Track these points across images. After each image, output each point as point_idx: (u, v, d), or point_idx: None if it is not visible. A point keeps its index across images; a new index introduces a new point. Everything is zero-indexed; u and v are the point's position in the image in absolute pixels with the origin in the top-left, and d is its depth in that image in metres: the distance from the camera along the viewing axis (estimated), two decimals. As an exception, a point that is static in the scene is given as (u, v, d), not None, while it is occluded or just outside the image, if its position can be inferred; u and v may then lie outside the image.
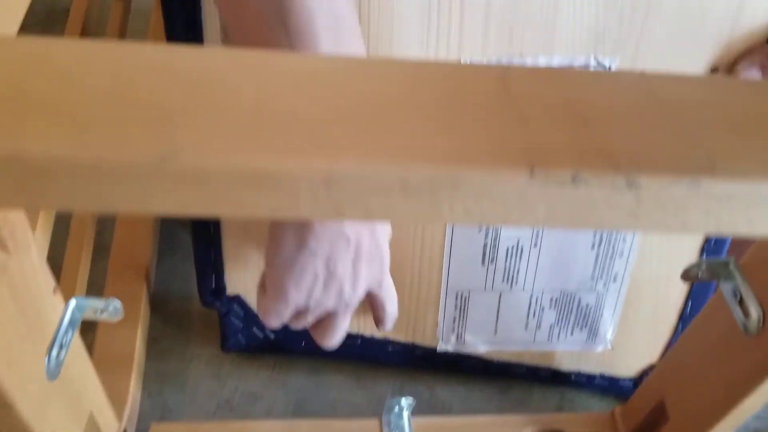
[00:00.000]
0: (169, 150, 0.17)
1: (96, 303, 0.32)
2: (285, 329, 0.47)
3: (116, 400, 0.43)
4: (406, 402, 0.44)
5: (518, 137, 0.19)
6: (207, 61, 0.19)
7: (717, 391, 0.36)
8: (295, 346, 0.49)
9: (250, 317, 0.46)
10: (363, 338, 0.47)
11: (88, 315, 0.33)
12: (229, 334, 0.47)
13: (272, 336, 0.48)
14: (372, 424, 0.45)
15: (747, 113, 0.21)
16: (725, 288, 0.34)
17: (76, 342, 0.33)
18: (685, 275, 0.35)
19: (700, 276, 0.35)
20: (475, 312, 0.46)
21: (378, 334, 0.47)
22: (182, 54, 0.19)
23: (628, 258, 0.43)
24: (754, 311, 0.32)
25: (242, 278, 0.44)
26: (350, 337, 0.47)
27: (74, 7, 0.42)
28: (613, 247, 0.43)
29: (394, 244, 0.42)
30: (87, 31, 0.42)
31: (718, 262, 0.34)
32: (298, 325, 0.37)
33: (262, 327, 0.47)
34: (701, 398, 0.37)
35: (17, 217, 0.26)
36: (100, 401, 0.38)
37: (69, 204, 0.18)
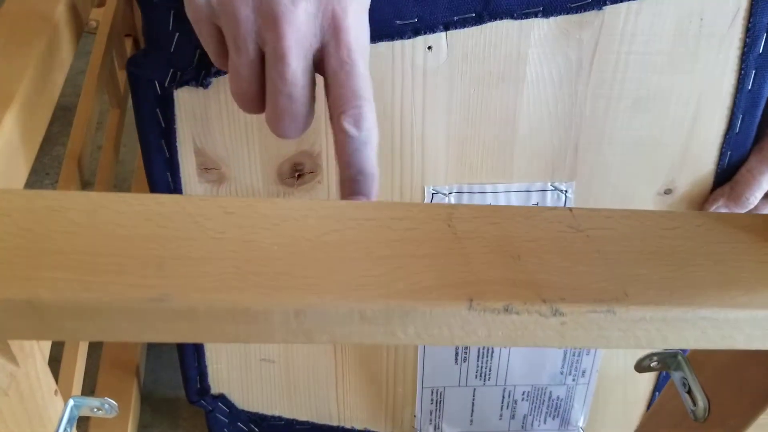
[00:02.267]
0: (162, 293, 0.20)
1: (92, 402, 0.35)
2: (269, 422, 0.49)
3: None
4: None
5: (460, 273, 0.22)
6: (192, 208, 0.23)
7: (674, 475, 0.38)
8: None
9: (236, 413, 0.48)
10: (344, 430, 0.49)
11: (85, 412, 0.35)
12: (215, 428, 0.49)
13: (256, 430, 0.50)
14: None
15: (661, 245, 0.24)
16: (676, 378, 0.37)
17: (73, 437, 0.35)
18: (638, 366, 0.38)
19: (651, 367, 0.37)
20: (451, 405, 0.48)
21: (358, 425, 0.49)
22: (170, 203, 0.23)
23: (595, 355, 0.46)
24: (701, 400, 0.35)
25: (226, 378, 0.47)
26: (331, 429, 0.49)
27: (77, 118, 0.47)
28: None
29: (370, 347, 0.44)
30: (87, 136, 0.47)
31: (667, 354, 0.37)
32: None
33: (247, 421, 0.49)
34: (661, 483, 0.39)
35: (26, 330, 0.29)
36: (92, 492, 0.40)
37: (77, 336, 0.21)
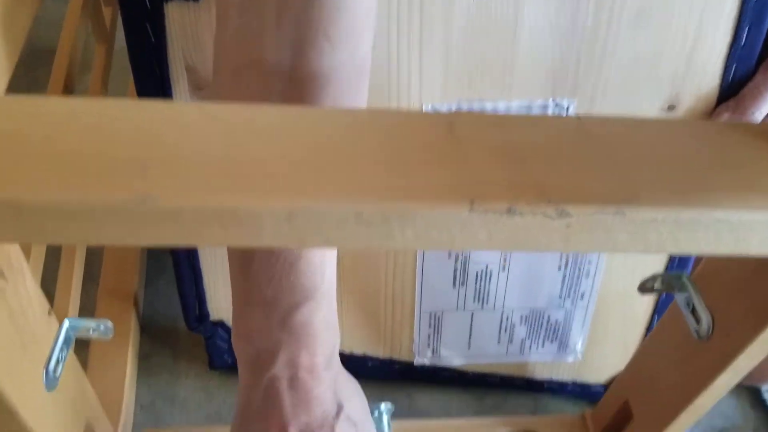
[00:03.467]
0: (147, 194, 0.19)
1: (88, 323, 0.34)
2: None
3: (111, 411, 0.45)
4: (385, 407, 0.46)
5: (461, 175, 0.21)
6: (179, 114, 0.21)
7: (674, 391, 0.38)
8: None
9: None
10: (342, 355, 0.49)
11: (82, 334, 0.35)
12: (215, 355, 0.49)
13: None
14: (354, 430, 0.47)
15: (674, 151, 0.23)
16: (679, 299, 0.36)
17: (72, 358, 0.35)
18: (642, 288, 0.37)
19: (655, 288, 0.37)
20: (449, 329, 0.48)
21: (357, 350, 0.49)
22: (157, 109, 0.21)
23: (594, 277, 0.45)
24: (705, 319, 0.35)
25: (225, 305, 0.46)
26: None
27: (59, 52, 0.45)
28: (579, 268, 0.44)
29: (368, 270, 0.43)
30: (71, 74, 0.45)
31: (671, 275, 0.36)
32: None
33: None
34: (661, 398, 0.39)
35: (12, 248, 0.28)
36: (95, 411, 0.40)
37: (61, 240, 0.20)
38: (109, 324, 0.35)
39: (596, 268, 0.44)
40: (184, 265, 0.43)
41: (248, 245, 0.21)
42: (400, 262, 0.44)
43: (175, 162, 0.20)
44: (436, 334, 0.48)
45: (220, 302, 0.46)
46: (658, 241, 0.22)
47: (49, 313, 0.32)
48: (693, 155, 0.23)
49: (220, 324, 0.46)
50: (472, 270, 0.44)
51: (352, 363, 0.49)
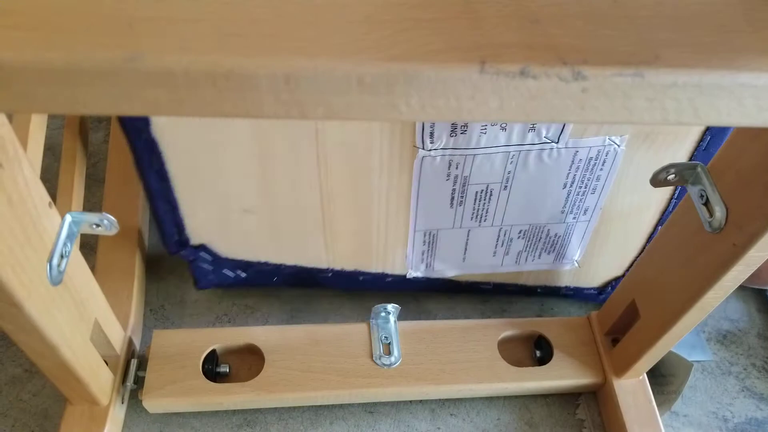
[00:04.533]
0: (135, 52, 0.18)
1: (91, 217, 0.34)
2: (256, 268, 0.47)
3: (120, 312, 0.45)
4: (392, 308, 0.47)
5: (471, 36, 0.20)
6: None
7: (682, 287, 0.38)
8: (268, 283, 0.49)
9: (219, 261, 0.47)
10: (333, 271, 0.48)
11: (85, 229, 0.35)
12: (200, 276, 0.48)
13: (243, 275, 0.49)
14: (361, 328, 0.48)
15: (697, 11, 0.21)
16: (692, 191, 0.36)
17: (76, 254, 0.35)
18: (654, 180, 0.36)
19: (668, 179, 0.36)
20: (444, 245, 0.46)
21: (348, 266, 0.48)
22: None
23: (600, 194, 0.44)
24: (718, 210, 0.34)
25: (205, 230, 0.44)
26: (321, 271, 0.48)
27: None
28: (586, 186, 0.43)
29: (359, 194, 0.41)
30: None
31: (686, 165, 0.35)
32: None
33: (233, 268, 0.48)
34: (669, 295, 0.39)
35: (6, 132, 0.27)
36: (104, 310, 0.40)
37: (48, 107, 0.19)
38: (112, 218, 0.34)
39: (604, 184, 0.43)
40: (157, 194, 0.41)
41: (247, 115, 0.20)
42: (394, 184, 0.42)
43: (163, 20, 0.19)
44: (430, 251, 0.47)
45: (200, 228, 0.44)
46: (677, 108, 0.21)
47: (50, 205, 0.31)
48: (718, 14, 0.21)
49: (202, 247, 0.45)
50: (471, 190, 0.42)
51: (343, 278, 0.49)
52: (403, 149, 0.39)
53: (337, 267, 0.47)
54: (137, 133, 0.35)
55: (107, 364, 0.43)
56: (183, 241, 0.44)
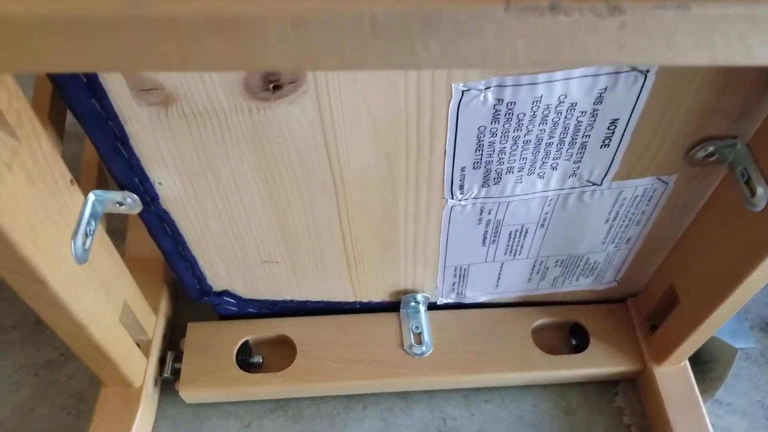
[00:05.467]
0: (135, -3, 0.17)
1: (114, 196, 0.34)
2: (281, 306, 0.46)
3: (151, 296, 0.45)
4: (422, 297, 0.45)
5: (493, -32, 0.18)
6: None
7: (724, 269, 0.35)
8: (294, 315, 0.47)
9: (244, 302, 0.46)
10: (361, 303, 0.46)
11: (109, 208, 0.34)
12: (224, 313, 0.47)
13: (268, 311, 0.47)
14: (391, 317, 0.46)
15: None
16: (732, 170, 0.33)
17: (101, 233, 0.35)
18: (691, 160, 0.34)
19: (705, 158, 0.33)
20: (475, 276, 0.44)
21: (376, 298, 0.46)
22: None
23: (645, 225, 0.40)
24: (761, 188, 0.31)
25: (226, 279, 0.43)
26: (348, 304, 0.46)
27: None
28: (630, 219, 0.39)
29: (386, 242, 0.39)
30: None
31: (725, 143, 0.33)
32: None
33: (258, 307, 0.47)
34: (710, 278, 0.37)
35: (22, 106, 0.27)
36: (133, 292, 0.40)
37: (53, 65, 0.19)
38: (136, 197, 0.34)
39: (649, 217, 0.39)
40: (173, 255, 0.39)
41: (253, 66, 0.19)
42: (421, 230, 0.39)
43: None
44: (461, 282, 0.44)
45: (221, 277, 0.43)
46: (726, 47, 0.19)
47: (72, 183, 0.31)
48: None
49: (225, 293, 0.44)
50: (505, 231, 0.40)
51: (371, 307, 0.46)
52: (431, 201, 0.37)
53: (365, 300, 0.46)
54: (146, 206, 0.35)
55: (139, 347, 0.43)
56: (205, 290, 0.44)
